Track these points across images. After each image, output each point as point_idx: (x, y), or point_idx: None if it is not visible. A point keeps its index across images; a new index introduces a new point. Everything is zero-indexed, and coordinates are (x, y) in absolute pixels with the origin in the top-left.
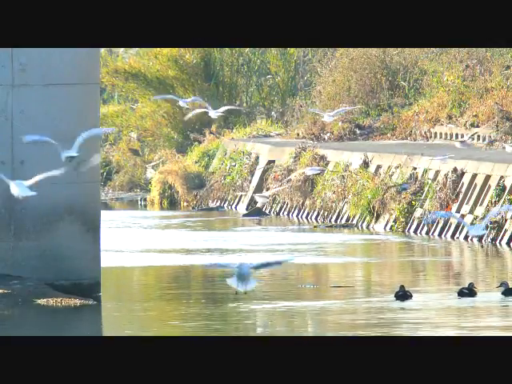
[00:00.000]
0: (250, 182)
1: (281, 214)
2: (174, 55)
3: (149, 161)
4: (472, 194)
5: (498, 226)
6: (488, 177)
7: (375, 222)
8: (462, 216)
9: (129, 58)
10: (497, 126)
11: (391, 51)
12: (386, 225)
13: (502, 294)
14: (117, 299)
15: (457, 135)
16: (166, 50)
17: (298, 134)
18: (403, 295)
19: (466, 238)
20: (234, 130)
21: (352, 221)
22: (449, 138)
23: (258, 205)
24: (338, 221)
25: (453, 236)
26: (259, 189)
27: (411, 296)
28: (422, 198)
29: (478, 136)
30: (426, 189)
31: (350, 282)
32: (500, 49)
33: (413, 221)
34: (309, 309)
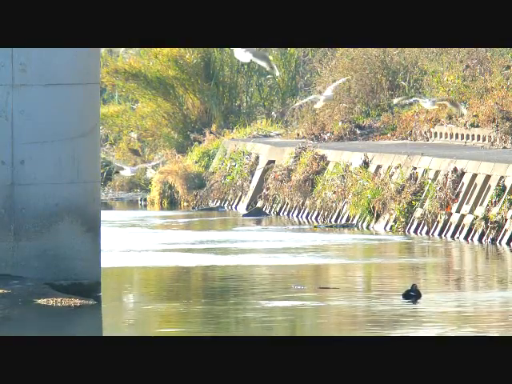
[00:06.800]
0: (250, 182)
1: (281, 213)
2: (174, 55)
3: (149, 161)
4: (472, 194)
5: (498, 225)
6: (488, 177)
7: (375, 222)
8: (462, 216)
9: (129, 58)
10: (497, 126)
11: (391, 51)
12: (386, 225)
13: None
14: (117, 299)
15: (457, 135)
16: (166, 50)
17: (298, 134)
18: (412, 295)
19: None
20: (234, 130)
21: (352, 221)
22: (449, 138)
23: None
24: (338, 221)
25: (453, 236)
26: (259, 189)
27: (420, 295)
28: (422, 197)
29: (478, 136)
30: (426, 189)
31: (351, 282)
32: (500, 49)
33: (413, 221)
34: (305, 308)
